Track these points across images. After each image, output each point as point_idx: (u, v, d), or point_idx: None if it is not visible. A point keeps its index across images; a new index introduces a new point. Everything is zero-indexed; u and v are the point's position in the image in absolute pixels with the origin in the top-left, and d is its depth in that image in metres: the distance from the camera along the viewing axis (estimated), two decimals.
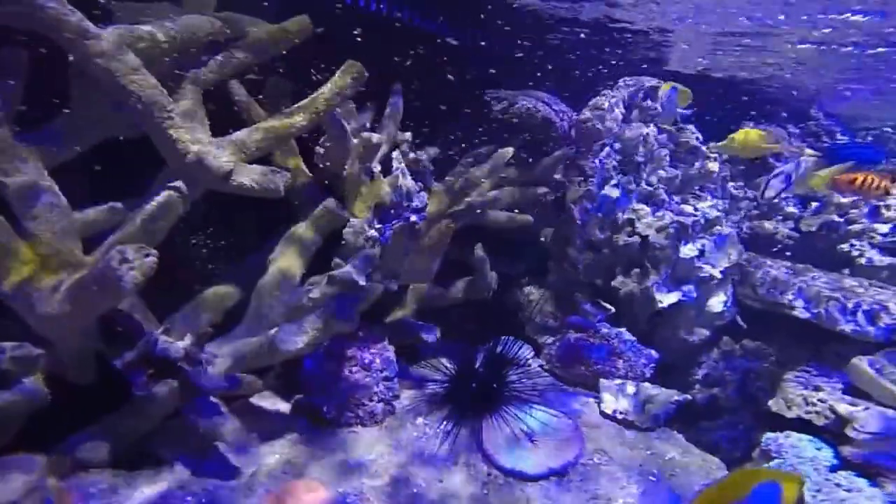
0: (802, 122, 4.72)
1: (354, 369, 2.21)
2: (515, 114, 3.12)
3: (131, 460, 1.81)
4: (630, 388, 2.53)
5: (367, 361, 2.23)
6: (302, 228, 2.29)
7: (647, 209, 3.03)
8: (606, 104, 3.06)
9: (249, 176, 1.96)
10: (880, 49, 3.76)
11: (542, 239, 3.29)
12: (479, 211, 2.84)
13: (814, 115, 4.81)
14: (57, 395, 1.69)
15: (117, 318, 1.76)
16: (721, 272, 3.04)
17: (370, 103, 2.81)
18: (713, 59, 4.33)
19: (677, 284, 2.98)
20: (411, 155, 2.64)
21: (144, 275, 1.45)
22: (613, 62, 4.19)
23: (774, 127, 4.44)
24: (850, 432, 2.27)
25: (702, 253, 2.99)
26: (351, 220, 2.30)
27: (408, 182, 2.51)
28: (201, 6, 2.07)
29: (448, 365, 2.53)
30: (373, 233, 2.28)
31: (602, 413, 2.49)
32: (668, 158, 3.22)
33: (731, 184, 3.69)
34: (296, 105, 2.06)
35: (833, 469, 2.19)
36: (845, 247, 3.45)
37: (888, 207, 3.46)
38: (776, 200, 3.60)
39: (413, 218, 2.46)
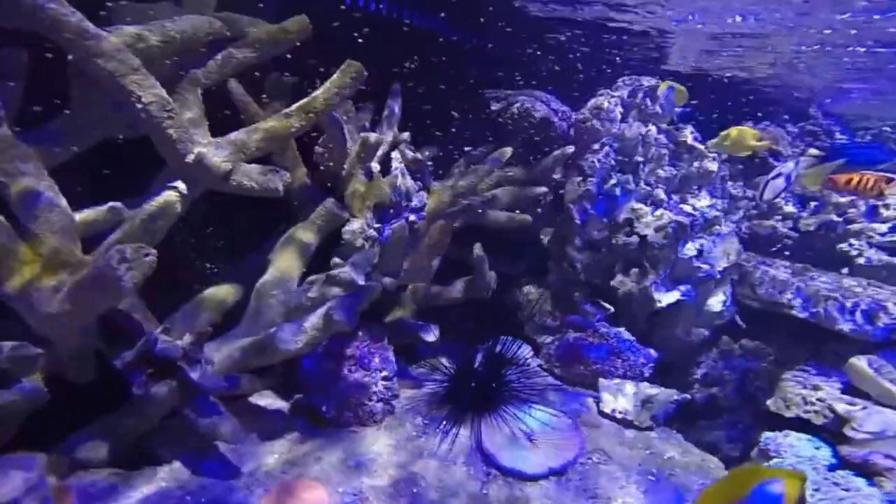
0: (801, 121, 4.72)
1: (353, 369, 2.21)
2: (514, 113, 3.13)
3: (131, 460, 1.81)
4: (629, 387, 2.53)
5: (366, 361, 2.24)
6: (301, 228, 2.30)
7: (646, 209, 3.03)
8: (605, 104, 3.06)
9: (249, 176, 1.96)
10: (880, 49, 3.76)
11: (542, 238, 3.30)
12: (478, 211, 2.84)
13: (813, 115, 4.81)
14: (56, 394, 1.70)
15: (117, 318, 1.76)
16: (720, 272, 3.05)
17: (369, 103, 2.82)
18: (712, 58, 4.33)
19: (676, 284, 2.98)
20: (410, 155, 2.64)
21: (143, 274, 1.46)
22: (613, 62, 4.19)
23: (774, 127, 4.45)
24: (848, 432, 2.28)
25: (700, 252, 2.99)
26: (350, 219, 2.30)
27: (407, 182, 2.51)
28: (201, 6, 2.08)
29: (447, 364, 2.54)
30: (372, 232, 2.29)
31: (601, 412, 2.49)
32: (666, 158, 3.22)
33: (729, 183, 3.69)
34: (295, 105, 2.06)
35: (831, 468, 2.20)
36: (844, 246, 3.45)
37: (886, 207, 3.46)
38: (776, 201, 3.60)
39: (412, 217, 2.47)
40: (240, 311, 2.08)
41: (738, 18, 3.41)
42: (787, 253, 3.63)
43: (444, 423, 2.26)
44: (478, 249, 2.76)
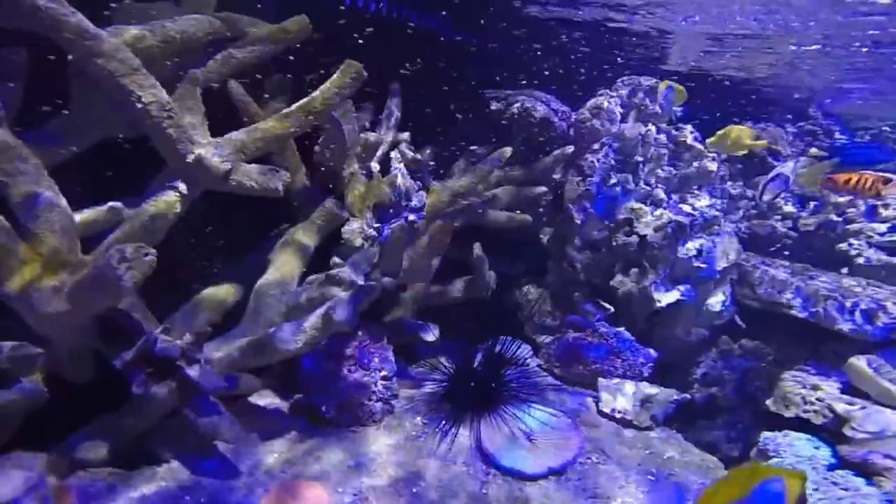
0: (801, 121, 4.72)
1: (353, 368, 2.21)
2: (514, 113, 3.13)
3: (130, 460, 1.81)
4: (628, 387, 2.54)
5: (365, 361, 2.24)
6: (301, 228, 2.30)
7: (646, 208, 3.03)
8: (605, 104, 3.07)
9: (248, 175, 1.96)
10: (880, 50, 3.76)
11: (541, 238, 3.30)
12: (478, 210, 2.84)
13: (812, 115, 4.81)
14: (56, 394, 1.70)
15: (117, 318, 1.76)
16: (719, 271, 3.05)
17: (369, 103, 2.82)
18: (712, 59, 4.33)
19: (675, 284, 2.99)
20: (410, 154, 2.64)
21: (143, 274, 1.46)
22: (613, 62, 4.19)
23: (774, 126, 4.45)
24: (847, 431, 2.28)
25: (700, 252, 2.99)
26: (350, 219, 2.30)
27: (406, 181, 2.51)
28: (201, 6, 2.08)
29: (447, 364, 2.54)
30: (371, 232, 2.29)
31: (600, 412, 2.49)
32: (666, 158, 3.22)
33: (729, 183, 3.69)
34: (295, 105, 2.06)
35: (831, 468, 2.20)
36: (843, 246, 3.45)
37: (886, 207, 3.46)
38: (775, 201, 3.60)
39: (411, 217, 2.47)
40: (239, 310, 2.08)
41: (738, 19, 3.41)
42: (786, 253, 3.63)
43: (444, 422, 2.27)
44: (477, 249, 2.76)
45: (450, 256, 2.76)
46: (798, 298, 2.87)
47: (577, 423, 2.33)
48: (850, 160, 3.91)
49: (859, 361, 2.46)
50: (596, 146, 3.05)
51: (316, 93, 2.06)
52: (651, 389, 2.54)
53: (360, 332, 2.29)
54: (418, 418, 2.30)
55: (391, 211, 2.45)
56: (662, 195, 3.11)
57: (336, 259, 2.22)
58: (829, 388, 2.52)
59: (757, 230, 3.74)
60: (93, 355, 1.82)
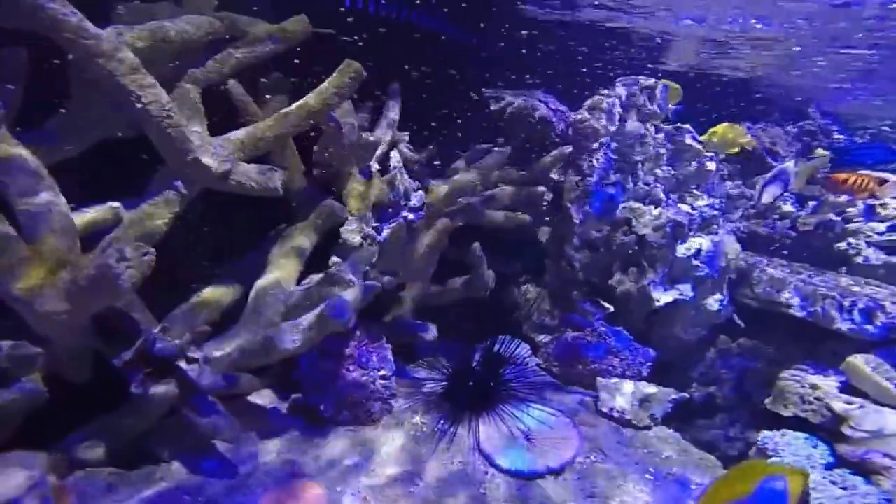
0: (800, 121, 4.72)
1: (352, 368, 2.22)
2: (513, 113, 3.13)
3: (129, 459, 1.81)
4: (627, 386, 2.54)
5: (364, 360, 2.24)
6: (300, 228, 2.30)
7: (645, 208, 3.04)
8: (604, 103, 3.07)
9: (247, 175, 1.97)
10: (880, 50, 3.77)
11: (540, 238, 3.30)
12: (477, 210, 2.85)
13: (812, 115, 4.82)
14: (55, 393, 1.70)
15: (115, 317, 1.76)
16: (718, 271, 3.05)
17: (368, 102, 2.82)
18: (712, 59, 4.34)
19: (674, 283, 2.99)
20: (409, 154, 2.65)
21: (142, 273, 1.46)
22: (612, 62, 4.20)
23: (773, 126, 4.45)
24: (846, 430, 2.28)
25: (699, 252, 2.99)
26: (348, 218, 2.30)
27: (405, 181, 2.52)
28: (201, 6, 2.08)
29: (446, 364, 2.54)
30: (370, 232, 2.29)
31: (599, 411, 2.50)
32: (665, 157, 3.23)
33: (728, 182, 3.70)
34: (294, 104, 2.06)
35: (829, 467, 2.20)
36: (842, 245, 3.45)
37: (884, 206, 3.47)
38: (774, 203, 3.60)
39: (410, 217, 2.48)
40: (238, 310, 2.08)
41: (741, 21, 3.42)
42: (785, 252, 3.63)
43: (442, 422, 2.27)
44: (476, 249, 2.77)
45: (448, 256, 2.76)
46: (797, 298, 2.87)
47: (575, 423, 2.33)
48: (855, 161, 3.92)
49: (858, 360, 2.46)
50: (594, 146, 3.05)
51: (315, 92, 2.06)
52: (650, 389, 2.54)
53: (358, 332, 2.29)
54: (417, 418, 2.30)
55: (390, 210, 2.46)
56: (661, 195, 3.12)
57: (335, 259, 2.22)
58: (828, 387, 2.52)
59: (756, 229, 3.74)
60: (92, 355, 1.82)
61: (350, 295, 1.96)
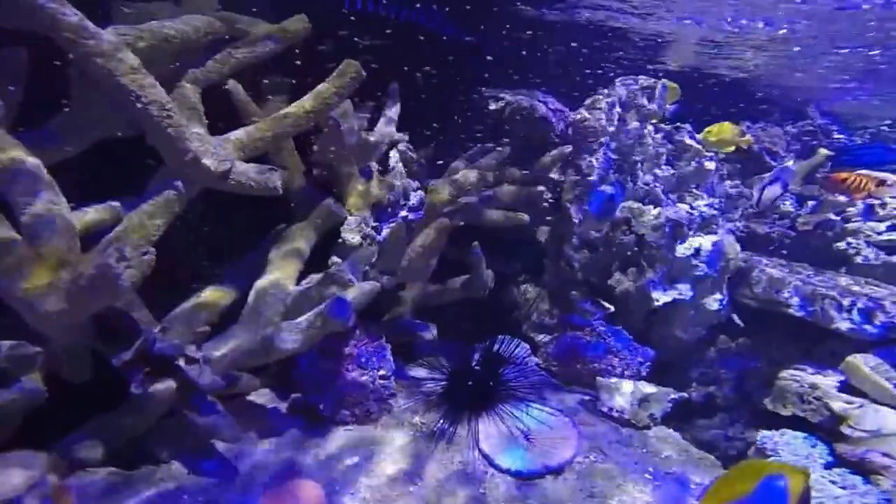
0: (800, 121, 4.72)
1: (351, 367, 2.22)
2: (513, 113, 3.13)
3: (129, 459, 1.82)
4: (626, 386, 2.54)
5: (363, 360, 2.24)
6: (299, 228, 2.30)
7: (644, 207, 3.04)
8: (603, 103, 3.07)
9: (247, 174, 1.97)
10: (880, 50, 3.77)
11: (539, 238, 3.30)
12: (477, 210, 2.85)
13: (811, 115, 4.81)
14: (54, 393, 1.70)
15: (115, 317, 1.76)
16: (717, 270, 3.05)
17: (368, 102, 2.82)
18: (711, 59, 4.34)
19: (673, 283, 2.99)
20: (408, 154, 2.65)
21: (142, 273, 1.46)
22: (611, 62, 4.20)
23: (772, 126, 4.45)
24: (845, 430, 2.28)
25: (698, 251, 2.99)
26: (348, 218, 2.31)
27: (405, 181, 2.52)
28: (201, 6, 2.08)
29: (445, 363, 2.54)
30: (370, 231, 2.30)
31: (599, 411, 2.50)
32: (664, 157, 3.23)
33: (727, 182, 3.70)
34: (293, 104, 2.06)
35: (828, 466, 2.20)
36: (842, 245, 3.45)
37: (883, 206, 3.47)
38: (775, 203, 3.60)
39: (410, 216, 2.48)
40: (238, 310, 2.08)
41: (743, 21, 3.42)
42: (784, 252, 3.63)
43: (442, 421, 2.27)
44: (475, 249, 2.77)
45: (448, 256, 2.76)
46: (796, 297, 2.87)
47: (574, 422, 2.34)
48: (857, 161, 3.92)
49: (857, 360, 2.47)
50: (594, 146, 3.06)
51: (314, 92, 2.06)
52: (649, 388, 2.54)
53: (358, 332, 2.30)
54: (416, 417, 2.30)
55: (389, 210, 2.46)
56: (660, 194, 3.12)
57: (335, 258, 2.23)
58: (827, 386, 2.52)
59: (755, 229, 3.74)
60: (91, 355, 1.83)
61: (350, 294, 1.96)
